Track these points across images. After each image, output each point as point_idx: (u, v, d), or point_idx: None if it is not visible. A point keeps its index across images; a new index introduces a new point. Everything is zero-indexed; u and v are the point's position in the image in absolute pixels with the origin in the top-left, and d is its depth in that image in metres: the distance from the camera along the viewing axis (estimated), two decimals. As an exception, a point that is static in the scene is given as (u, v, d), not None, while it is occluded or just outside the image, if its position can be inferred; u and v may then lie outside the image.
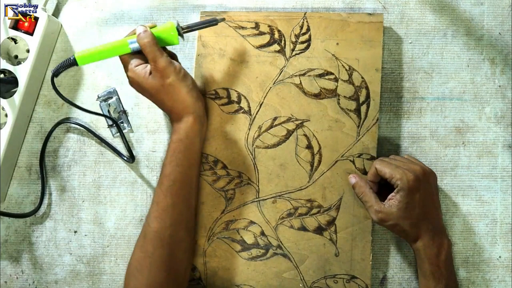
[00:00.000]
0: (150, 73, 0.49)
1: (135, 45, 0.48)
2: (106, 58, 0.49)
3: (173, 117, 0.51)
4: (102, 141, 0.57)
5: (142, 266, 0.48)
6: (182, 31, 0.50)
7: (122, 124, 0.57)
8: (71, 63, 0.48)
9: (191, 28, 0.50)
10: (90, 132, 0.57)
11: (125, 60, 0.50)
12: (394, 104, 0.55)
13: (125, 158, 0.56)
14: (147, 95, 0.51)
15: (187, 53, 0.57)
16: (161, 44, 0.49)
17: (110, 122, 0.56)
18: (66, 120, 0.58)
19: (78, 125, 0.57)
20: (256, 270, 0.54)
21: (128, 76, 0.50)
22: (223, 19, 0.52)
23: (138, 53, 0.49)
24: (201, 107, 0.52)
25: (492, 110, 0.55)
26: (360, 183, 0.51)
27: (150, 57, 0.48)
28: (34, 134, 0.58)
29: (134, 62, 0.49)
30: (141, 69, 0.49)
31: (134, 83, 0.50)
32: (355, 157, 0.53)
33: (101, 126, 0.57)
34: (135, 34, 0.49)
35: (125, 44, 0.48)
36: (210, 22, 0.51)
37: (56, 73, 0.49)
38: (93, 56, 0.49)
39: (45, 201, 0.58)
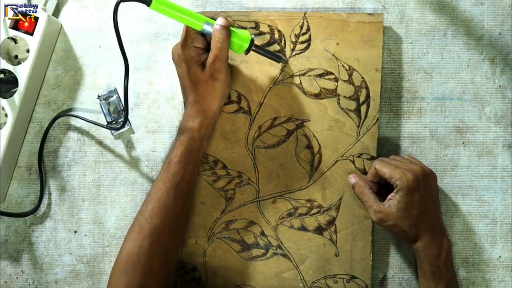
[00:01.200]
0: (203, 63, 0.49)
1: (208, 29, 0.47)
2: (174, 19, 0.46)
3: (191, 111, 0.50)
4: (94, 123, 0.57)
5: (135, 262, 0.47)
6: (252, 47, 0.49)
7: (122, 123, 0.57)
8: (145, 0, 0.44)
9: (259, 50, 0.51)
10: (87, 121, 0.56)
11: (188, 32, 0.48)
12: (394, 104, 0.55)
13: (111, 127, 0.56)
14: (183, 75, 0.49)
15: (187, 53, 0.57)
16: None
17: (110, 119, 0.56)
18: (63, 113, 0.57)
19: (74, 116, 0.57)
20: (256, 270, 0.54)
21: (180, 47, 0.48)
22: (286, 62, 0.54)
23: (203, 35, 0.49)
24: (219, 114, 0.53)
25: (492, 110, 0.55)
26: (360, 183, 0.51)
27: (214, 52, 0.47)
28: (34, 134, 0.58)
29: (195, 42, 0.48)
30: (196, 52, 0.48)
31: (180, 58, 0.48)
32: (355, 157, 0.53)
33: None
34: (213, 18, 0.48)
35: (200, 22, 0.47)
36: (275, 57, 0.52)
37: None
38: (167, 7, 0.45)
39: (45, 201, 0.58)
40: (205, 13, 0.49)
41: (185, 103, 0.52)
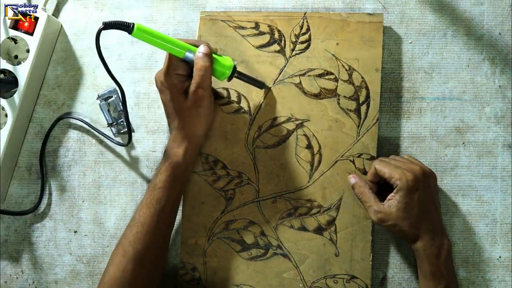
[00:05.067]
0: (186, 90, 0.49)
1: (190, 57, 0.47)
2: (155, 46, 0.46)
3: (176, 137, 0.50)
4: (98, 132, 0.57)
5: (119, 286, 0.47)
6: (234, 74, 0.49)
7: (122, 123, 0.57)
8: (127, 27, 0.44)
9: (241, 77, 0.51)
10: (89, 126, 0.57)
11: (170, 60, 0.47)
12: (394, 104, 0.55)
13: (116, 142, 0.56)
14: (166, 102, 0.49)
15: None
16: None
17: (110, 121, 0.56)
18: (66, 115, 0.57)
19: (78, 120, 0.57)
20: (256, 270, 0.54)
21: (163, 74, 0.48)
22: (269, 88, 0.54)
23: (185, 62, 0.48)
24: (204, 138, 0.53)
25: (492, 110, 0.55)
26: (360, 183, 0.51)
27: (197, 80, 0.47)
28: (34, 134, 0.58)
29: (178, 69, 0.48)
30: (179, 80, 0.48)
31: (163, 86, 0.48)
32: (355, 157, 0.53)
33: (101, 126, 0.57)
34: (195, 45, 0.48)
35: (182, 49, 0.47)
36: (258, 84, 0.52)
37: (107, 26, 0.43)
38: (149, 35, 0.45)
39: (45, 200, 0.58)
40: (187, 41, 0.48)
41: (170, 128, 0.51)
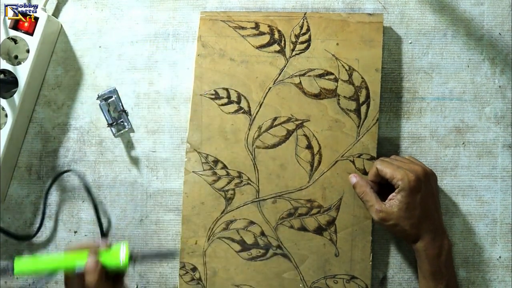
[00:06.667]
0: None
1: (82, 267, 0.45)
2: (45, 272, 0.45)
3: None
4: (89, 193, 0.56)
5: None
6: (135, 260, 0.46)
7: (122, 123, 0.57)
8: (5, 273, 0.45)
9: (146, 259, 0.49)
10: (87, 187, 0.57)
11: (66, 276, 0.45)
12: (394, 104, 0.55)
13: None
14: None
15: (187, 53, 0.57)
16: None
17: (110, 121, 0.56)
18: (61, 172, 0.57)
19: (79, 176, 0.57)
20: (256, 270, 0.54)
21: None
22: (178, 254, 0.53)
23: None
24: None
25: (492, 110, 0.55)
26: (361, 183, 0.51)
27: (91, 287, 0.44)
28: (34, 134, 0.58)
29: (74, 282, 0.45)
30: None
31: None
32: (355, 157, 0.53)
33: (101, 126, 0.57)
34: (84, 249, 0.45)
35: (73, 266, 0.44)
36: (167, 255, 0.52)
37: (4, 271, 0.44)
38: (31, 268, 0.44)
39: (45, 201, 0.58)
40: (79, 245, 0.46)
41: None
